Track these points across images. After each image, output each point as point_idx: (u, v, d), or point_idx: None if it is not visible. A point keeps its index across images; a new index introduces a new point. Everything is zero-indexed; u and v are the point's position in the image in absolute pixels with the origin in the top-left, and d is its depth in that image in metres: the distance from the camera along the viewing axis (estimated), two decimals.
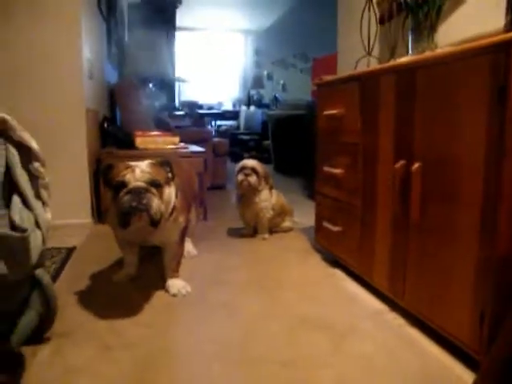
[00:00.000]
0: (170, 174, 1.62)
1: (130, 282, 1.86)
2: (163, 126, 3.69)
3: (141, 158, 1.68)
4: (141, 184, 1.46)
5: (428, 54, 1.52)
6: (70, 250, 2.26)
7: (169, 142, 3.07)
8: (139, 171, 1.50)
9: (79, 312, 1.57)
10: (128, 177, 1.47)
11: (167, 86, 5.61)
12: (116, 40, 4.14)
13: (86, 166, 2.80)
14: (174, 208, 1.63)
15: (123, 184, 1.47)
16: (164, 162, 1.62)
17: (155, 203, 1.46)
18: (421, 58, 1.39)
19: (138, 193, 1.44)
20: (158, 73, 5.04)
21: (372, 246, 1.68)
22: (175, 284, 1.76)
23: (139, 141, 2.97)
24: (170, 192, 1.60)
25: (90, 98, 2.93)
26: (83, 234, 2.59)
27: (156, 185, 1.50)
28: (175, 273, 1.80)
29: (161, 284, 1.79)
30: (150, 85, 4.89)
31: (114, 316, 1.53)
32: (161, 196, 1.51)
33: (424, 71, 1.33)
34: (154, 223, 1.48)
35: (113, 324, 1.48)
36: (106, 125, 3.25)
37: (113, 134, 3.19)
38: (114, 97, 3.71)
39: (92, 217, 2.85)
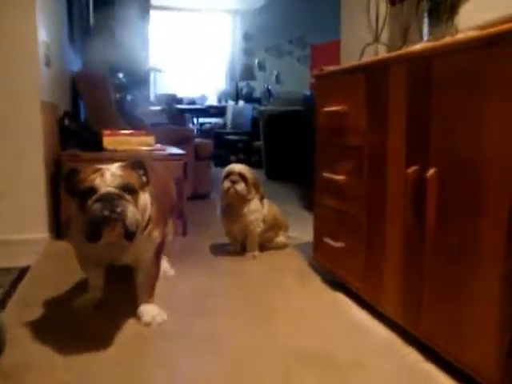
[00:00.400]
0: (144, 178, 1.61)
1: (95, 308, 1.83)
2: (136, 124, 3.68)
3: (111, 161, 1.65)
4: (113, 190, 1.45)
5: (447, 39, 1.53)
6: (22, 271, 2.23)
7: (142, 143, 3.06)
8: (109, 175, 1.48)
9: (32, 346, 1.54)
10: (97, 181, 1.46)
11: (140, 76, 5.60)
12: (79, 22, 4.13)
13: (42, 171, 2.76)
14: (149, 219, 1.62)
15: (92, 190, 1.45)
16: (136, 163, 1.61)
17: (131, 211, 1.45)
18: (438, 45, 1.39)
19: (110, 199, 1.42)
20: (130, 60, 5.03)
21: (381, 265, 1.68)
22: (149, 311, 1.74)
23: (107, 141, 2.95)
24: (145, 199, 1.59)
25: (47, 88, 2.91)
26: (38, 252, 2.56)
27: (130, 190, 1.49)
28: (149, 297, 1.78)
29: (132, 311, 1.77)
30: (120, 75, 4.88)
31: (75, 351, 1.50)
32: (136, 203, 1.50)
33: (442, 60, 1.34)
34: (130, 235, 1.46)
35: (73, 360, 1.45)
36: (66, 121, 3.22)
37: (75, 133, 3.17)
38: (76, 88, 3.69)
39: (49, 231, 2.82)
